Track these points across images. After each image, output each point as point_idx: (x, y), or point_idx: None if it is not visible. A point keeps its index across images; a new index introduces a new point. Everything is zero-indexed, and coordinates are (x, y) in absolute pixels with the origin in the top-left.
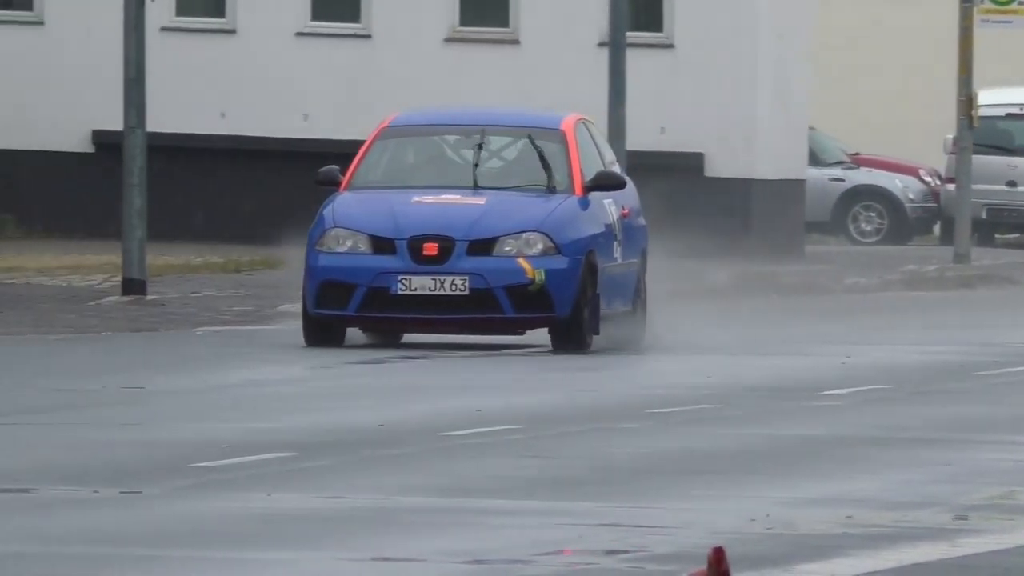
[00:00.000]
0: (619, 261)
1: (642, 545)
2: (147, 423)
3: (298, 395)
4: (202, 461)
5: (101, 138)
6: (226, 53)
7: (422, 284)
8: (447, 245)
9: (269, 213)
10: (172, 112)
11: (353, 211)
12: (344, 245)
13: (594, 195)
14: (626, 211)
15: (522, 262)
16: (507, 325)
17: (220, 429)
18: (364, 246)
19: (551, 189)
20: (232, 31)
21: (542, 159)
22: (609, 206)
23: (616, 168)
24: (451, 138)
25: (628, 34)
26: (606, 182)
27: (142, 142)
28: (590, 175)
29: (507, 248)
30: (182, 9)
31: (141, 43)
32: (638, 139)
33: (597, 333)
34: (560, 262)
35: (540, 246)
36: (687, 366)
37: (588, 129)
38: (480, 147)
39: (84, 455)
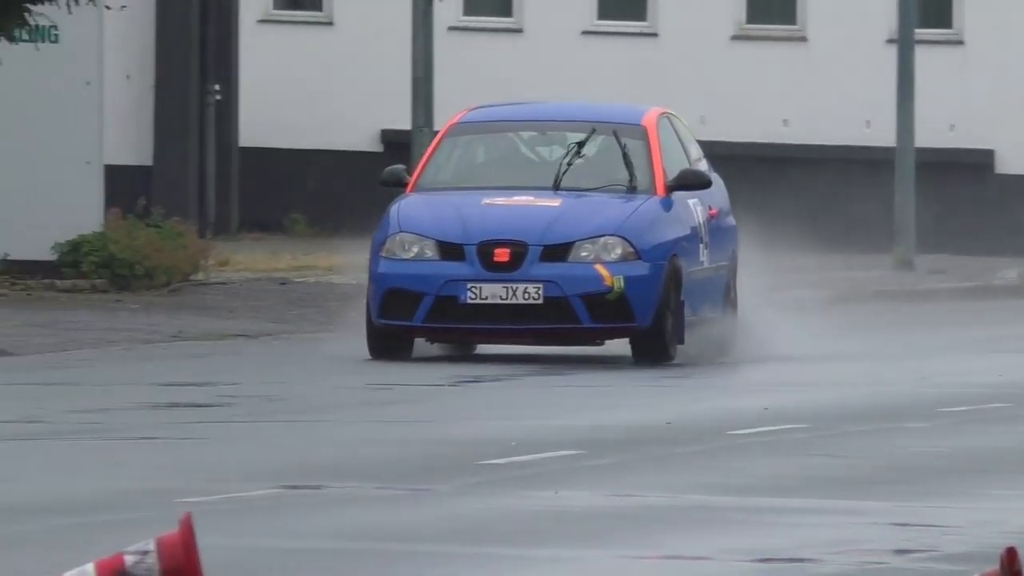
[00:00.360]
0: (706, 265)
1: (933, 544)
2: (438, 420)
3: (587, 393)
4: (491, 459)
5: (389, 137)
6: (513, 52)
7: (493, 292)
8: (519, 250)
9: None
10: (456, 110)
11: (419, 214)
12: (410, 251)
13: (678, 195)
14: (714, 211)
15: (600, 268)
16: (584, 336)
17: (508, 427)
18: (431, 252)
19: (631, 189)
20: (519, 30)
21: (623, 157)
22: (695, 206)
23: (703, 165)
24: (526, 135)
25: (917, 31)
26: (691, 181)
27: (429, 140)
28: (674, 173)
29: (584, 253)
30: (470, 8)
31: (429, 42)
32: (927, 137)
33: (682, 343)
34: (641, 268)
35: (619, 251)
36: (981, 364)
37: (672, 124)
38: (578, 145)
39: (372, 452)
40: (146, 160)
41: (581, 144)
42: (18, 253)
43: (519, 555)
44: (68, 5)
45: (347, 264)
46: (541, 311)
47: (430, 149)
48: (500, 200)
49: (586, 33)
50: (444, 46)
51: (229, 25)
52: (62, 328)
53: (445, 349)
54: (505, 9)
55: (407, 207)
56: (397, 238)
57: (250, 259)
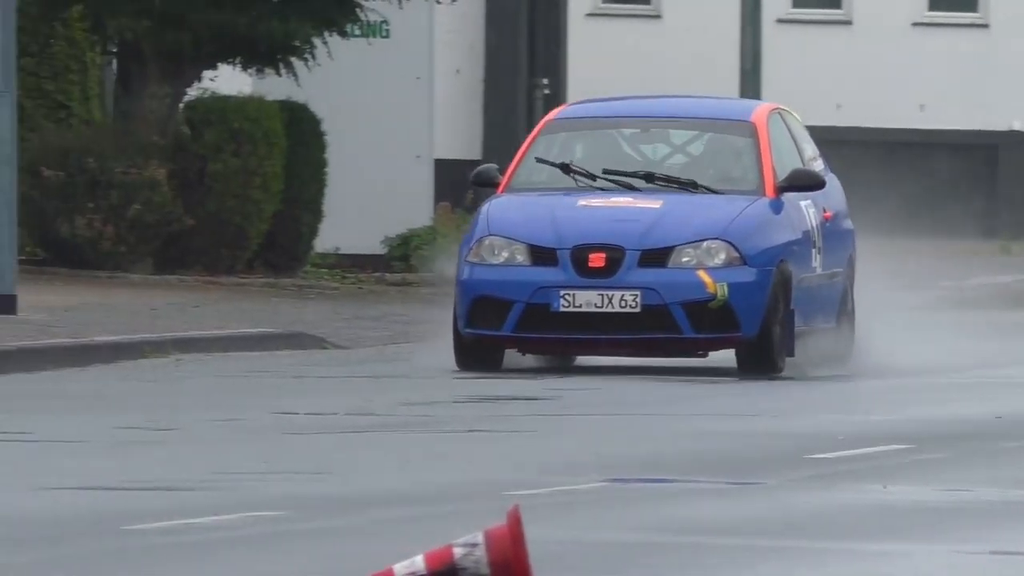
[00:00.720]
0: (819, 271)
1: None
2: (765, 415)
3: (916, 386)
4: (818, 453)
5: None
6: (842, 44)
7: (587, 300)
8: (616, 256)
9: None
10: (788, 104)
11: (511, 216)
12: (500, 256)
13: (788, 196)
14: (828, 214)
15: (702, 275)
16: (685, 346)
17: (835, 421)
18: (522, 257)
19: (739, 191)
20: (848, 22)
21: (729, 155)
22: (807, 208)
23: (818, 164)
24: (627, 131)
25: None
26: (803, 182)
27: None
28: (785, 173)
29: (685, 259)
30: (799, 1)
31: (757, 34)
32: None
33: (792, 355)
34: (746, 274)
35: (723, 256)
36: None
37: (785, 121)
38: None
39: (696, 446)
40: (475, 154)
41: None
42: (349, 247)
43: (848, 549)
44: (399, 0)
45: None
46: (639, 320)
47: (524, 147)
48: (597, 201)
49: (916, 24)
50: (772, 38)
51: (558, 19)
52: (391, 321)
53: (542, 360)
54: (834, 1)
55: (497, 208)
56: (486, 242)
57: None
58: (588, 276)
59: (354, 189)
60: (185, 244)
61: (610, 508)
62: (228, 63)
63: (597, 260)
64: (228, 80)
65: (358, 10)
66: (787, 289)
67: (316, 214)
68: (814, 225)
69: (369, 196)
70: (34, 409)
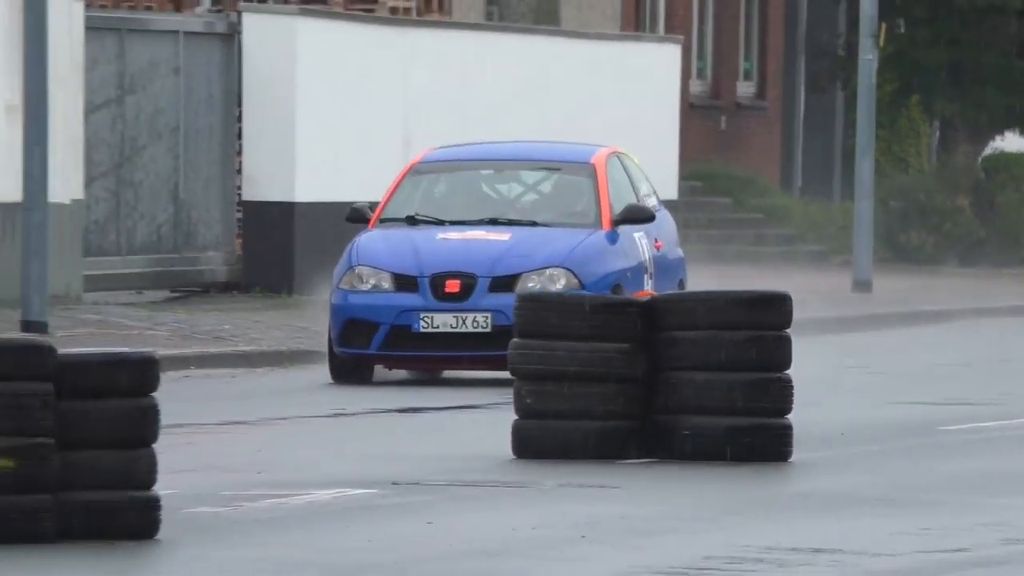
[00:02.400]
0: None
1: None
2: None
3: None
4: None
5: None
6: None
7: (444, 321)
8: (469, 282)
9: None
10: None
11: (377, 248)
12: (367, 283)
13: (624, 229)
14: (659, 244)
15: None
16: None
17: None
18: (387, 284)
19: (580, 224)
20: None
21: (573, 193)
22: (640, 239)
23: (651, 201)
24: (484, 172)
25: None
26: (635, 215)
27: None
28: (621, 209)
29: (530, 284)
30: None
31: None
32: None
33: None
34: None
35: (564, 282)
36: None
37: (622, 162)
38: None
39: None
40: None
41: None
42: None
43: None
44: None
45: None
46: (490, 339)
47: (391, 188)
48: (454, 235)
49: None
50: None
51: None
52: None
53: (415, 374)
54: None
55: (366, 242)
56: (356, 271)
57: None
58: (445, 300)
59: None
60: (980, 248)
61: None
62: (1012, 131)
63: (452, 286)
64: (1013, 142)
65: None
66: None
67: None
68: (647, 254)
69: None
70: None
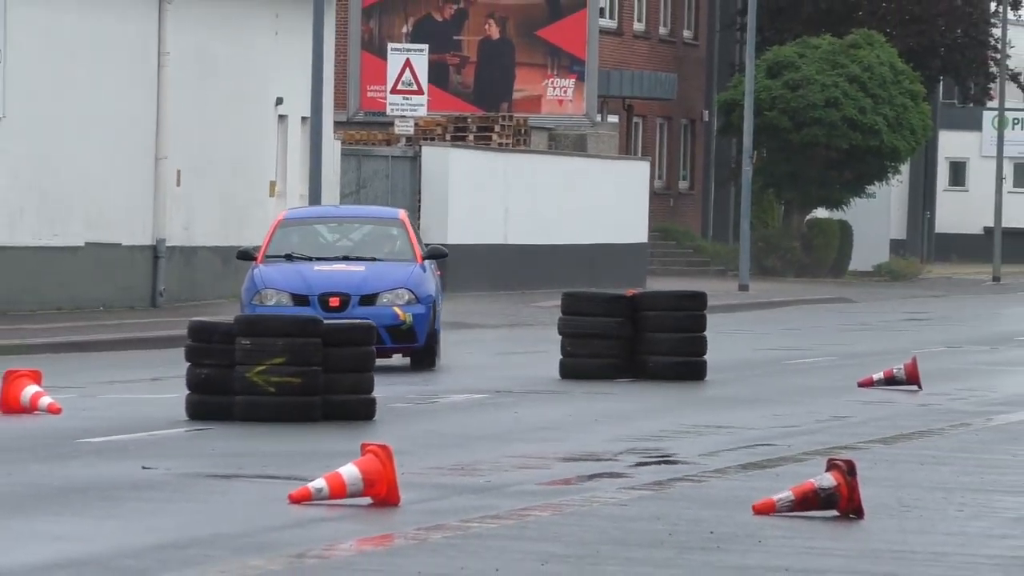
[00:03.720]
0: (439, 305)
1: None
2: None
3: None
4: None
5: None
6: None
7: None
8: (346, 299)
9: None
10: None
11: (275, 276)
12: (272, 300)
13: (427, 262)
14: (439, 272)
15: (396, 310)
16: (387, 352)
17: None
18: (287, 300)
19: (403, 260)
20: None
21: (390, 239)
22: (433, 269)
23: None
24: (329, 225)
25: None
26: (435, 254)
27: None
28: (425, 249)
29: (385, 300)
30: None
31: None
32: None
33: (438, 356)
34: (420, 308)
35: (406, 298)
36: None
37: (407, 220)
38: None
39: None
40: None
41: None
42: None
43: None
44: None
45: None
46: None
47: (268, 235)
48: (325, 267)
49: None
50: None
51: None
52: None
53: None
54: None
55: (266, 272)
56: (264, 292)
57: None
58: (330, 311)
59: None
60: (805, 269)
61: None
62: (822, 208)
63: (335, 302)
64: (823, 213)
65: None
66: (436, 317)
67: None
68: (437, 280)
69: None
70: None
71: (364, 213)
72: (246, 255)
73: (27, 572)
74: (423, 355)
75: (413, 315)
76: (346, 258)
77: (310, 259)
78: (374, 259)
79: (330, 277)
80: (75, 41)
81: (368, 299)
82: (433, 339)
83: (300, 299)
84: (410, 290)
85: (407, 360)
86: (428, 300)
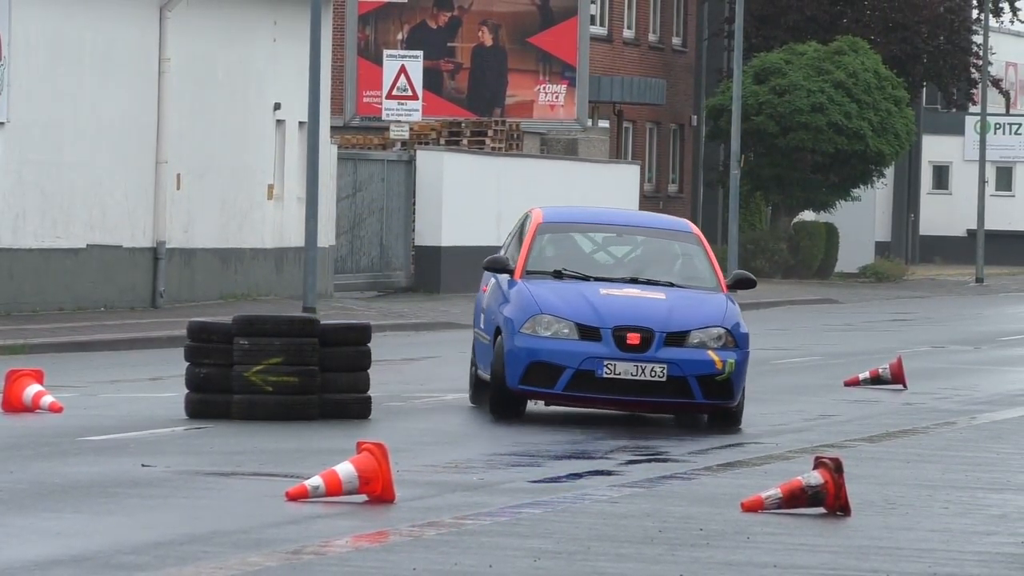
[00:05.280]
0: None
1: None
2: None
3: None
4: None
5: None
6: None
7: (626, 369)
8: (648, 336)
9: None
10: None
11: (553, 299)
12: (550, 329)
13: (732, 293)
14: None
15: (712, 354)
16: (696, 409)
17: None
18: (570, 332)
19: (704, 287)
20: None
21: (685, 259)
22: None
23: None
24: (605, 235)
25: None
26: (743, 281)
27: None
28: (730, 276)
29: (696, 340)
30: None
31: None
32: None
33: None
34: (740, 355)
35: (723, 340)
36: None
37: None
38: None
39: None
40: None
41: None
42: None
43: None
44: None
45: None
46: (664, 387)
47: (527, 243)
48: (615, 291)
49: None
50: None
51: None
52: None
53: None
54: None
55: (540, 292)
56: (539, 318)
57: None
58: (627, 351)
59: None
60: (792, 270)
61: None
62: (807, 210)
63: (634, 339)
64: (809, 216)
65: None
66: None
67: None
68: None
69: None
70: None
71: (647, 222)
72: (499, 265)
73: (28, 567)
74: (733, 414)
75: (733, 362)
76: (635, 280)
77: (587, 279)
78: (671, 284)
79: (626, 306)
80: (78, 47)
81: (676, 338)
82: (743, 395)
83: (588, 331)
84: (727, 330)
85: (410, 363)
86: (746, 344)
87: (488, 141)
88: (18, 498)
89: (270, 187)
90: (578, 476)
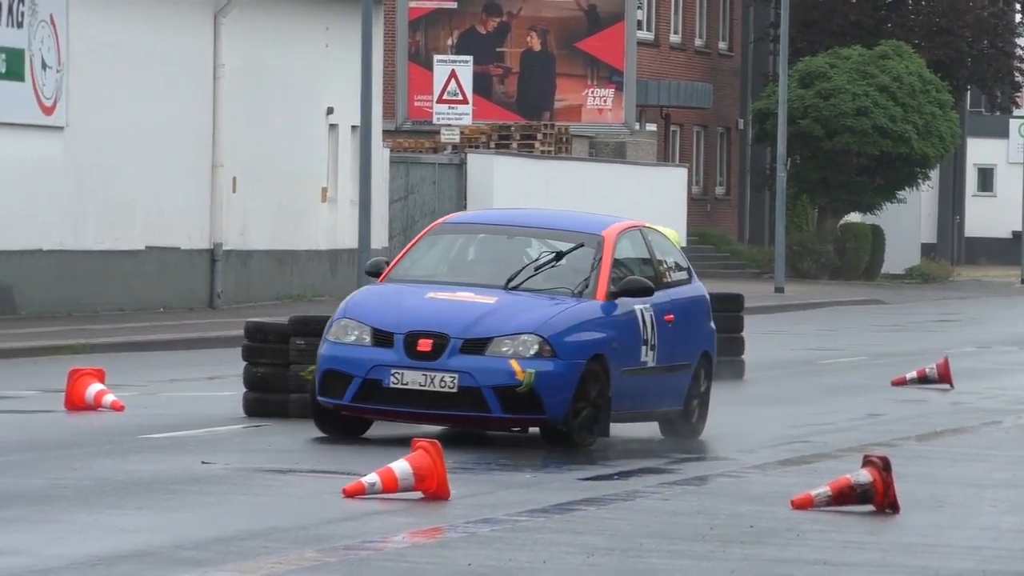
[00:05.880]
0: (650, 365)
1: None
2: None
3: None
4: None
5: None
6: None
7: (413, 379)
8: (441, 342)
9: None
10: None
11: (367, 303)
12: (350, 336)
13: (624, 301)
14: (670, 317)
15: (513, 363)
16: (494, 424)
17: None
18: (366, 338)
19: (576, 293)
20: None
21: (574, 264)
22: (643, 312)
23: (675, 275)
24: (495, 238)
25: None
26: (632, 288)
27: None
28: (621, 282)
29: (504, 348)
30: None
31: None
32: None
33: (606, 435)
34: (553, 365)
35: (536, 348)
36: None
37: (645, 237)
38: (558, 255)
39: None
40: None
41: (560, 255)
42: None
43: None
44: None
45: None
46: (456, 399)
47: (408, 246)
48: (443, 295)
49: None
50: None
51: None
52: None
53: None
54: None
55: (359, 296)
56: (341, 323)
57: None
58: (416, 358)
59: None
60: (838, 271)
61: None
62: (853, 212)
63: (424, 345)
64: (855, 217)
65: None
66: (600, 379)
67: None
68: (649, 326)
69: None
70: None
71: (554, 224)
72: (375, 270)
73: (92, 562)
74: (557, 432)
75: (537, 373)
76: (482, 284)
77: (437, 283)
78: (524, 289)
79: (434, 310)
80: (135, 54)
81: (476, 345)
82: (583, 410)
83: (382, 337)
84: (543, 338)
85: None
86: (573, 353)
87: (537, 144)
88: (82, 495)
89: (324, 190)
90: (629, 474)
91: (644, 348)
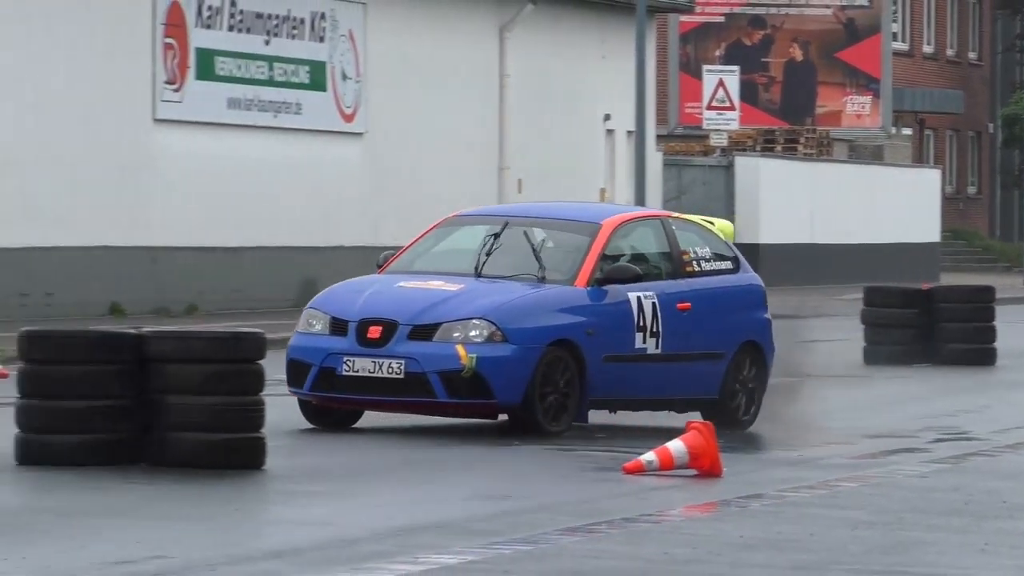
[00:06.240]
0: (651, 352)
1: None
2: None
3: None
4: None
5: None
6: None
7: (363, 366)
8: (390, 328)
9: None
10: None
11: (336, 293)
12: (314, 326)
13: (615, 288)
14: (684, 305)
15: (459, 348)
16: (441, 409)
17: None
18: (324, 327)
19: (540, 279)
20: None
21: (563, 252)
22: (640, 299)
23: (706, 265)
24: (489, 228)
25: None
26: (616, 275)
27: None
28: (608, 268)
29: (455, 334)
30: None
31: None
32: None
33: (584, 421)
34: (503, 350)
35: (485, 333)
36: None
37: (665, 227)
38: (496, 236)
39: None
40: None
41: (497, 235)
42: None
43: None
44: None
45: None
46: (402, 385)
47: (413, 240)
48: (412, 283)
49: None
50: None
51: None
52: None
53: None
54: None
55: (338, 286)
56: (307, 313)
57: None
58: (366, 345)
59: None
60: None
61: None
62: None
63: (374, 332)
64: None
65: None
66: (566, 365)
67: None
68: (646, 312)
69: None
70: None
71: (556, 213)
72: (383, 263)
73: (395, 533)
74: (517, 417)
75: (481, 358)
76: (454, 274)
77: (417, 272)
78: (507, 278)
79: (394, 298)
80: (427, 66)
81: (424, 331)
82: (549, 396)
83: (339, 326)
84: (492, 322)
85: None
86: (527, 338)
87: (800, 147)
88: (380, 472)
89: (602, 191)
90: (890, 453)
91: (641, 335)
